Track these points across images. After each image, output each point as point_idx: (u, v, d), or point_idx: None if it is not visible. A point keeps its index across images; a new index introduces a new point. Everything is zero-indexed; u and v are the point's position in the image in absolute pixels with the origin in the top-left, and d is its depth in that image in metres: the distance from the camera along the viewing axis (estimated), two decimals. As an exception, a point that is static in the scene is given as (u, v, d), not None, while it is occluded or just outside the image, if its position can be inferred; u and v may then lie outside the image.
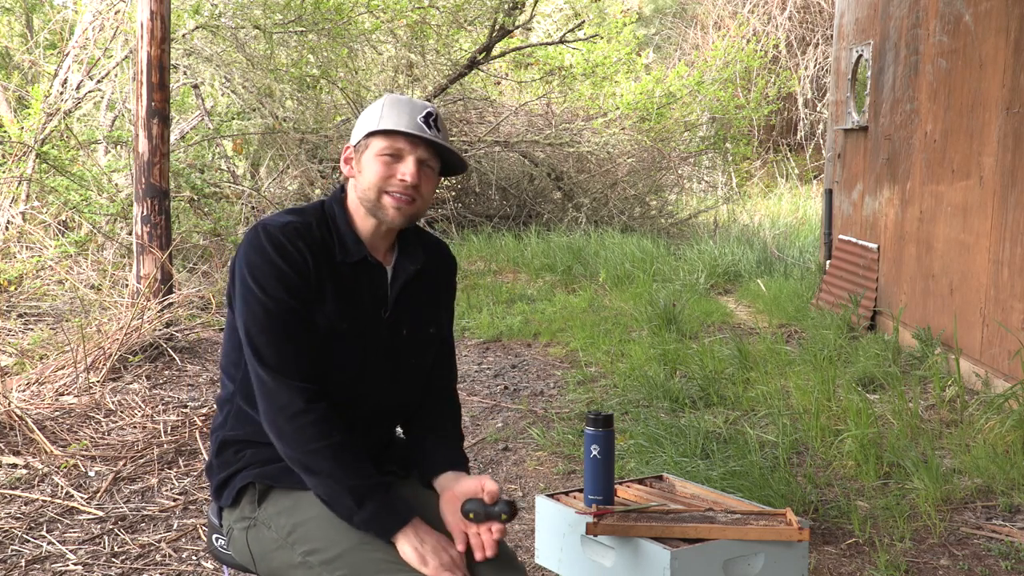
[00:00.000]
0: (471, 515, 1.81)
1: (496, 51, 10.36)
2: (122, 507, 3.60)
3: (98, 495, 3.70)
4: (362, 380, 1.95)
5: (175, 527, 3.44)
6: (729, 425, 4.46)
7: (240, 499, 1.95)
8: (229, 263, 1.98)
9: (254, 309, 1.85)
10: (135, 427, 4.44)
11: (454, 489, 1.90)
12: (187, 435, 4.32)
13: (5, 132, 8.19)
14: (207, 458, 2.10)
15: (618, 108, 11.44)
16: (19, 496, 3.67)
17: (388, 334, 1.98)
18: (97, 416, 4.53)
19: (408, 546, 1.76)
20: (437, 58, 10.52)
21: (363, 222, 1.96)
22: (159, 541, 3.31)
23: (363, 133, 1.94)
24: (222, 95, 9.72)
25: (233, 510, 1.96)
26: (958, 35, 5.43)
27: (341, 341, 1.91)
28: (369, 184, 1.91)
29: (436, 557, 1.75)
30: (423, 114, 1.91)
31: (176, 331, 5.89)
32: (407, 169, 1.89)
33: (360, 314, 1.93)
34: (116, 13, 8.50)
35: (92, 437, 4.28)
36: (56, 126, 7.99)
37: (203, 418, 4.52)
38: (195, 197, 8.37)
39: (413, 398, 2.09)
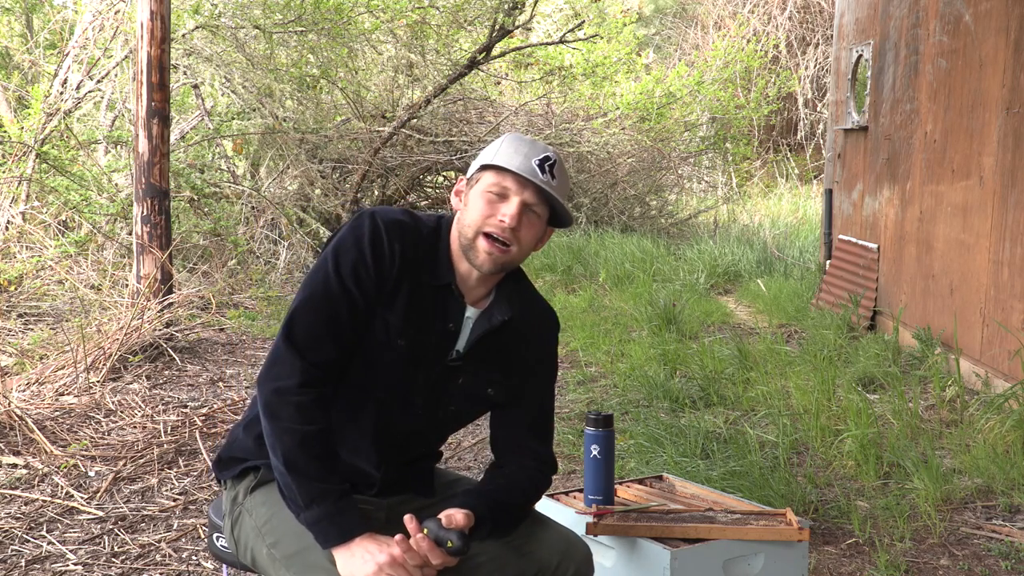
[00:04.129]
0: (425, 531, 1.75)
1: (496, 51, 10.35)
2: (122, 507, 3.60)
3: (98, 495, 3.70)
4: (401, 403, 1.91)
5: (175, 527, 3.44)
6: (729, 425, 4.46)
7: (240, 480, 1.95)
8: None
9: (316, 282, 1.82)
10: (135, 427, 4.44)
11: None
12: (187, 435, 4.32)
13: (5, 132, 8.19)
14: (239, 419, 2.05)
15: (618, 108, 11.43)
16: (19, 496, 3.67)
17: (444, 373, 1.91)
18: (97, 416, 4.53)
19: (343, 561, 1.71)
20: (437, 58, 10.51)
21: (459, 260, 1.89)
22: (159, 541, 3.31)
23: (478, 166, 1.88)
24: (222, 95, 9.72)
25: (230, 490, 1.97)
26: (958, 35, 5.43)
27: (394, 357, 1.86)
28: (470, 221, 1.84)
29: (362, 569, 1.68)
30: (540, 157, 1.84)
31: (176, 331, 5.89)
32: (508, 210, 1.82)
33: (422, 338, 1.87)
34: (116, 13, 8.50)
35: (92, 437, 4.28)
36: (56, 126, 7.99)
37: (203, 418, 4.52)
38: (195, 197, 8.38)
39: (442, 439, 2.06)
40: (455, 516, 1.77)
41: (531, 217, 1.86)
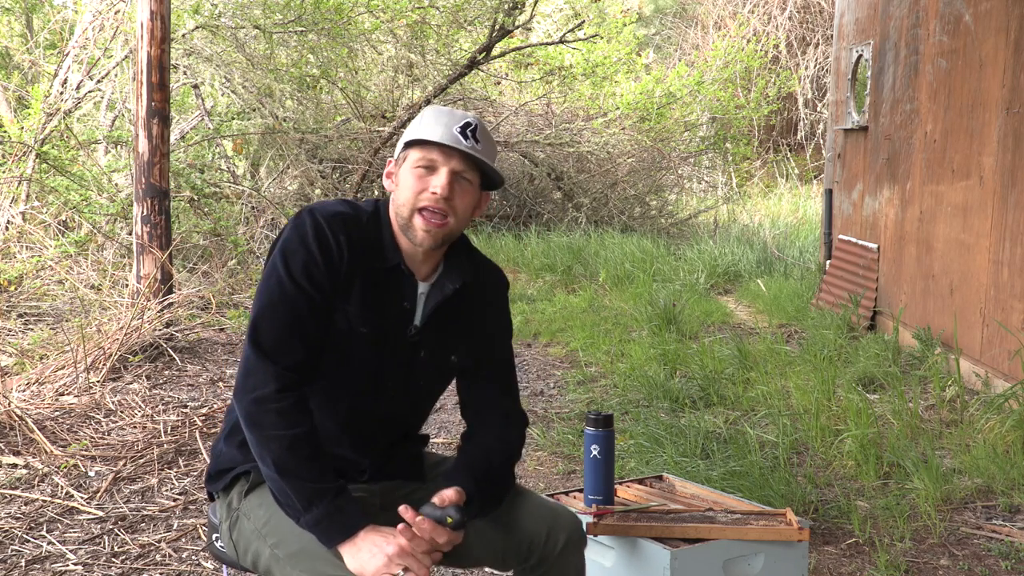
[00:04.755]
0: (423, 516, 1.77)
1: (496, 51, 10.36)
2: (122, 507, 3.60)
3: (98, 495, 3.70)
4: (373, 387, 1.93)
5: (175, 527, 3.44)
6: (729, 425, 4.46)
7: (232, 487, 1.96)
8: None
9: (271, 287, 1.83)
10: (135, 427, 4.44)
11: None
12: (187, 435, 4.32)
13: (5, 132, 8.19)
14: (217, 435, 2.08)
15: (618, 108, 11.43)
16: (19, 496, 3.67)
17: (407, 350, 1.93)
18: (97, 416, 4.53)
19: (351, 557, 1.72)
20: (437, 58, 10.51)
21: (402, 239, 1.91)
22: (159, 541, 3.31)
23: (402, 144, 1.90)
24: (222, 95, 9.72)
25: (223, 499, 1.97)
26: (958, 35, 5.43)
27: (359, 344, 1.88)
28: (403, 200, 1.86)
29: (372, 563, 1.69)
30: (460, 124, 1.85)
31: (176, 331, 5.89)
32: (439, 181, 1.83)
33: (383, 321, 1.89)
34: (116, 13, 8.50)
35: (92, 437, 4.28)
36: (56, 126, 7.99)
37: (203, 418, 4.52)
38: (195, 197, 8.38)
39: (419, 416, 2.08)
40: (446, 493, 1.80)
41: (463, 184, 1.87)
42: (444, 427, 4.61)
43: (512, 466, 2.00)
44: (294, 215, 1.88)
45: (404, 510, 1.75)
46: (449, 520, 1.75)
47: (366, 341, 1.88)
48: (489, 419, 2.01)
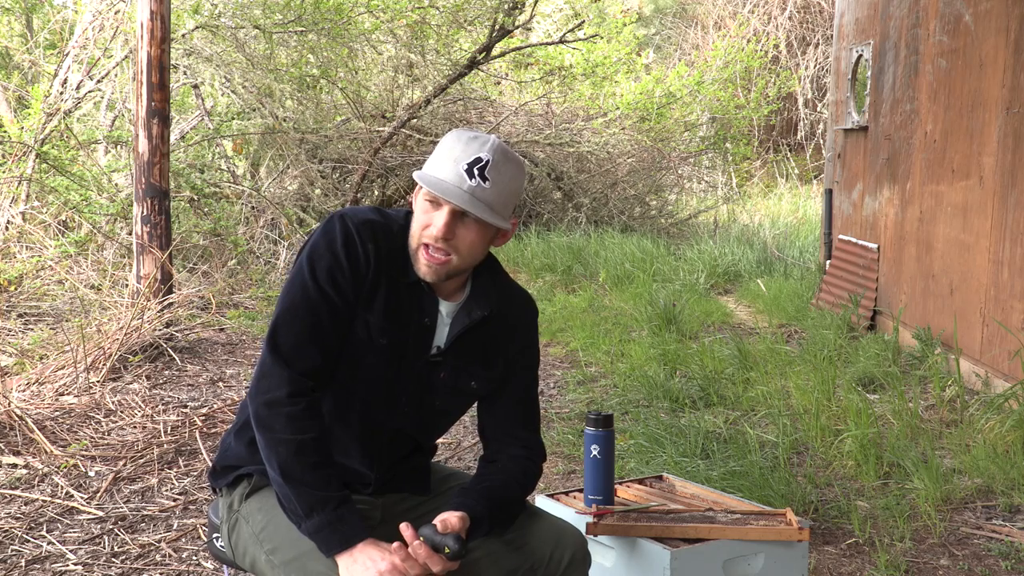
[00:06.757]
0: (422, 539, 1.74)
1: (496, 51, 10.35)
2: (122, 507, 3.60)
3: (98, 495, 3.70)
4: (386, 400, 1.91)
5: (175, 527, 3.44)
6: (729, 425, 4.46)
7: (235, 487, 1.96)
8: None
9: (294, 291, 1.81)
10: (135, 427, 4.44)
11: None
12: (187, 435, 4.32)
13: (5, 132, 8.19)
14: (229, 427, 2.06)
15: (618, 108, 11.43)
16: (19, 496, 3.67)
17: (426, 368, 1.91)
18: (97, 416, 4.53)
19: (345, 569, 1.71)
20: (437, 58, 10.51)
21: None
22: (159, 541, 3.31)
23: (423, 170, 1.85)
24: (222, 95, 9.72)
25: (225, 498, 1.97)
26: (958, 35, 5.43)
27: (377, 356, 1.86)
28: (413, 230, 1.84)
29: None
30: (469, 160, 1.77)
31: (176, 331, 5.89)
32: (438, 221, 1.78)
33: (403, 336, 1.87)
34: (116, 13, 8.51)
35: (92, 437, 4.28)
36: (56, 126, 7.99)
37: (203, 418, 4.52)
38: (195, 197, 8.38)
39: (431, 435, 2.05)
40: (449, 520, 1.76)
41: (467, 223, 1.80)
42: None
43: (526, 497, 1.98)
44: (325, 219, 1.85)
45: (404, 528, 1.73)
46: (447, 550, 1.72)
47: (384, 354, 1.86)
48: (511, 450, 1.98)
